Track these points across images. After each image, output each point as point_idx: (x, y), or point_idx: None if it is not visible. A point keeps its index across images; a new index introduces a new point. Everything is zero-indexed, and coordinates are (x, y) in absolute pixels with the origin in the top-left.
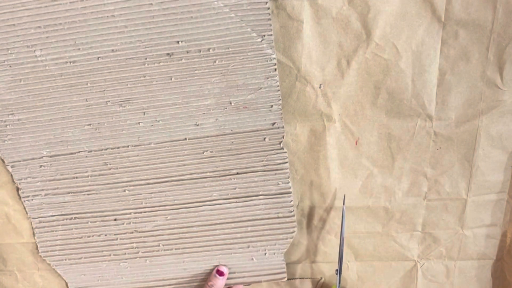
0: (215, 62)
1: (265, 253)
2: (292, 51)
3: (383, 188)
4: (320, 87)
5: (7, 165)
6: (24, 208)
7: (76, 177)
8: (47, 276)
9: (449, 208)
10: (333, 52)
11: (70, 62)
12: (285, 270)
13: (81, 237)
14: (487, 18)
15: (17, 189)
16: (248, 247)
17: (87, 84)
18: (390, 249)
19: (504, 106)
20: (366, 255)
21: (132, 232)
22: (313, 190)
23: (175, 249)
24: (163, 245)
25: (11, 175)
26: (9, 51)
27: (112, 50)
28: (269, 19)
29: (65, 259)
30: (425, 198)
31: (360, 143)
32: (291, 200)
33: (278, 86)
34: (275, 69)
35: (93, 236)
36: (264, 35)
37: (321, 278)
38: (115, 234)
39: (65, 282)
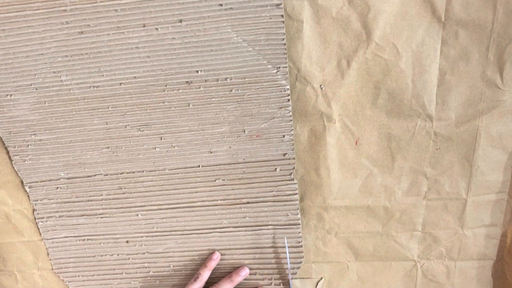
0: (231, 90)
1: (271, 282)
2: (292, 51)
3: (383, 187)
4: (321, 87)
5: (25, 185)
6: (38, 229)
7: (91, 200)
8: (47, 276)
9: (449, 208)
10: (333, 52)
11: (93, 86)
12: None
13: (94, 256)
14: (487, 18)
15: (33, 210)
16: (255, 274)
17: (108, 108)
18: (390, 249)
19: (504, 106)
20: (366, 255)
21: (143, 253)
22: (313, 190)
23: (185, 270)
24: (173, 266)
25: (28, 196)
26: (36, 76)
27: (135, 77)
28: (285, 53)
29: (78, 276)
30: (424, 198)
31: (360, 143)
32: (300, 232)
33: (291, 116)
34: (289, 99)
35: (105, 255)
36: (280, 67)
37: (321, 278)
38: (127, 254)
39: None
